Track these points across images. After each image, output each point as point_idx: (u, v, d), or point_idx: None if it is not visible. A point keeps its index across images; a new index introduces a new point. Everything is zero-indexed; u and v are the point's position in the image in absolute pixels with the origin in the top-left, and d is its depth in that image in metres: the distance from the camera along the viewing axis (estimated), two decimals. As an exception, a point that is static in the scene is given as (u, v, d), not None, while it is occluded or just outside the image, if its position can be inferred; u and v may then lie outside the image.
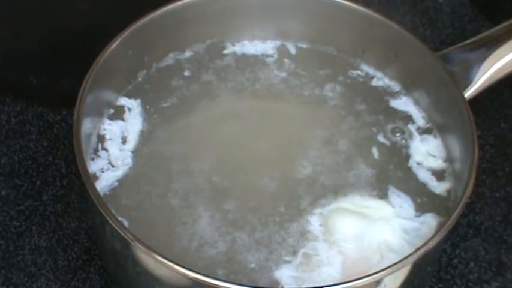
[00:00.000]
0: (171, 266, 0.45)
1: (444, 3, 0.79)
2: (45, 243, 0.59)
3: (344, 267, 0.50)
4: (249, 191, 0.54)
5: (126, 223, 0.52)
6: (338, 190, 0.55)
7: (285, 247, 0.51)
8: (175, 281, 0.46)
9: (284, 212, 0.53)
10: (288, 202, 0.54)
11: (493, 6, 0.77)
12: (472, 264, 0.60)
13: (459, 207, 0.49)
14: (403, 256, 0.47)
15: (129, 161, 0.55)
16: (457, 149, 0.55)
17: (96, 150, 0.55)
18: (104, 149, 0.56)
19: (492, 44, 0.59)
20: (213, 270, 0.50)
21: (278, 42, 0.64)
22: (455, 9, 0.78)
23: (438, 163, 0.57)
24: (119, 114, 0.58)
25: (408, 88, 0.61)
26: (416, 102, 0.60)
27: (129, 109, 0.58)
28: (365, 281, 0.45)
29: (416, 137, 0.58)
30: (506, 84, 0.61)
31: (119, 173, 0.55)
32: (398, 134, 0.58)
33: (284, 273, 0.50)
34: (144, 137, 0.57)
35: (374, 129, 0.59)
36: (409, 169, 0.56)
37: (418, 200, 0.55)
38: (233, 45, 0.63)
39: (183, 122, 0.59)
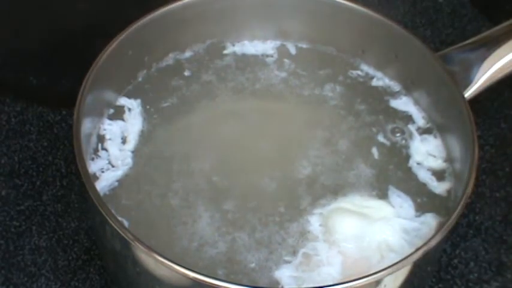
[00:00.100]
0: (171, 266, 0.45)
1: (444, 3, 0.79)
2: (45, 243, 0.59)
3: (344, 267, 0.50)
4: (249, 191, 0.54)
5: (126, 223, 0.52)
6: (338, 190, 0.55)
7: (285, 247, 0.51)
8: (175, 281, 0.46)
9: (284, 212, 0.53)
10: (288, 202, 0.54)
11: (493, 6, 0.77)
12: (472, 264, 0.60)
13: (459, 207, 0.49)
14: (403, 256, 0.47)
15: (129, 161, 0.55)
16: (457, 149, 0.55)
17: (96, 150, 0.55)
18: (104, 149, 0.56)
19: (492, 44, 0.59)
20: (213, 270, 0.50)
21: (278, 42, 0.64)
22: (455, 9, 0.78)
23: (438, 163, 0.57)
24: (119, 114, 0.58)
25: (408, 88, 0.61)
26: (416, 102, 0.60)
27: (129, 109, 0.58)
28: (365, 281, 0.45)
29: (416, 137, 0.58)
30: (506, 84, 0.61)
31: (119, 173, 0.55)
32: (398, 134, 0.58)
33: (284, 273, 0.50)
34: (144, 137, 0.57)
35: (374, 129, 0.59)
36: (409, 169, 0.56)
37: (418, 200, 0.55)
38: (233, 45, 0.63)
39: (183, 122, 0.59)
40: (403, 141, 0.58)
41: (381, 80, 0.62)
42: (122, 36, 0.56)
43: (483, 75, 0.58)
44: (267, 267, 0.50)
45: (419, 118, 0.59)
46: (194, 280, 0.45)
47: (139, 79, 0.60)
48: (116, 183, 0.54)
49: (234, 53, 0.63)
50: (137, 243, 0.46)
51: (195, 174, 0.55)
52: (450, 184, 0.55)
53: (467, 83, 0.57)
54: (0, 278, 0.57)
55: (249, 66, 0.62)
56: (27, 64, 0.66)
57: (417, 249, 0.47)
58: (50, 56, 0.65)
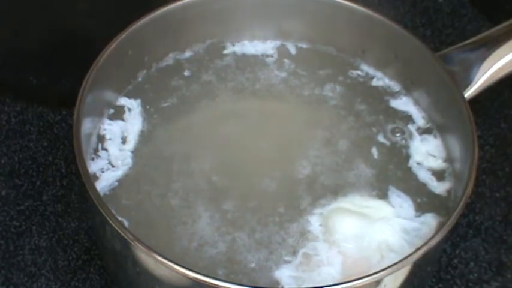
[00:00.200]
0: (171, 266, 0.45)
1: (444, 3, 0.79)
2: (45, 243, 0.59)
3: (344, 267, 0.50)
4: (249, 191, 0.54)
5: (126, 223, 0.52)
6: (338, 190, 0.55)
7: (285, 247, 0.51)
8: (175, 281, 0.46)
9: (284, 212, 0.53)
10: (288, 202, 0.54)
11: (493, 6, 0.77)
12: (472, 264, 0.60)
13: (459, 207, 0.49)
14: (403, 256, 0.47)
15: (129, 161, 0.55)
16: (457, 149, 0.55)
17: (96, 150, 0.55)
18: (104, 149, 0.56)
19: (492, 44, 0.59)
20: (213, 270, 0.50)
21: (278, 42, 0.64)
22: (455, 9, 0.78)
23: (438, 163, 0.57)
24: (119, 114, 0.58)
25: (408, 88, 0.61)
26: (416, 102, 0.60)
27: (129, 109, 0.58)
28: (365, 281, 0.45)
29: (416, 137, 0.58)
30: (506, 84, 0.61)
31: (119, 173, 0.55)
32: (398, 134, 0.58)
33: (284, 273, 0.50)
34: (144, 137, 0.57)
35: (374, 129, 0.59)
36: (409, 169, 0.56)
37: (418, 200, 0.55)
38: (233, 45, 0.63)
39: (183, 122, 0.59)
40: (403, 141, 0.58)
41: (380, 80, 0.62)
42: (122, 36, 0.56)
43: (483, 75, 0.58)
44: (267, 267, 0.50)
45: (419, 118, 0.59)
46: (194, 280, 0.45)
47: (139, 79, 0.60)
48: (116, 183, 0.54)
49: (234, 53, 0.63)
50: (137, 243, 0.46)
51: (195, 174, 0.55)
52: (450, 184, 0.55)
53: (467, 83, 0.57)
54: (0, 278, 0.57)
55: (249, 66, 0.62)
56: (27, 64, 0.66)
57: (417, 249, 0.47)
58: (50, 56, 0.65)
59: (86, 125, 0.53)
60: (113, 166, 0.55)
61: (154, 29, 0.58)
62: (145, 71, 0.60)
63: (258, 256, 0.51)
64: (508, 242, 0.61)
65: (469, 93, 0.57)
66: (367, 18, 0.60)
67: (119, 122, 0.57)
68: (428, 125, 0.59)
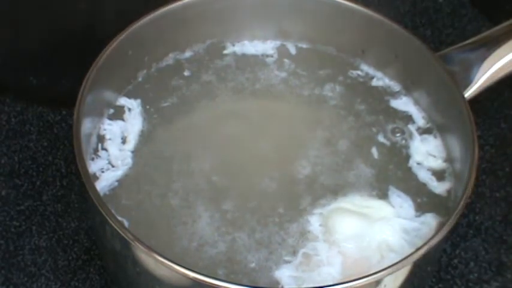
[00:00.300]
0: (171, 266, 0.45)
1: (444, 3, 0.79)
2: (45, 243, 0.59)
3: (344, 267, 0.50)
4: (249, 191, 0.54)
5: (126, 223, 0.52)
6: (338, 190, 0.55)
7: (285, 247, 0.51)
8: (175, 281, 0.46)
9: (284, 212, 0.53)
10: (287, 202, 0.54)
11: (493, 6, 0.77)
12: (472, 264, 0.60)
13: (459, 207, 0.49)
14: (403, 256, 0.47)
15: (129, 161, 0.55)
16: (457, 149, 0.55)
17: (96, 150, 0.55)
18: (104, 149, 0.56)
19: (492, 44, 0.59)
20: (213, 270, 0.50)
21: (278, 42, 0.64)
22: (455, 9, 0.78)
23: (438, 163, 0.57)
24: (119, 114, 0.58)
25: (408, 88, 0.61)
26: (416, 102, 0.60)
27: (129, 109, 0.58)
28: (365, 281, 0.45)
29: (416, 137, 0.58)
30: (506, 84, 0.61)
31: (119, 173, 0.55)
32: (398, 134, 0.58)
33: (284, 273, 0.50)
34: (144, 137, 0.57)
35: (374, 129, 0.59)
36: (409, 169, 0.56)
37: (418, 200, 0.55)
38: (233, 45, 0.63)
39: (183, 122, 0.59)
40: (403, 141, 0.58)
41: (380, 80, 0.62)
42: (122, 36, 0.56)
43: (483, 75, 0.58)
44: (267, 267, 0.50)
45: (419, 118, 0.59)
46: (194, 280, 0.45)
47: (139, 79, 0.60)
48: (116, 183, 0.54)
49: (234, 53, 0.63)
50: (137, 243, 0.46)
51: (195, 174, 0.55)
52: (450, 184, 0.55)
53: (467, 83, 0.57)
54: (0, 278, 0.57)
55: (249, 66, 0.62)
56: (27, 64, 0.66)
57: (417, 249, 0.47)
58: (50, 56, 0.65)
59: (86, 125, 0.53)
60: (113, 166, 0.55)
61: (154, 29, 0.58)
62: (145, 71, 0.60)
63: (258, 256, 0.51)
64: (508, 242, 0.61)
65: (469, 93, 0.57)
66: (367, 18, 0.60)
67: (119, 122, 0.57)
68: (428, 125, 0.59)
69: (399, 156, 0.57)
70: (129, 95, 0.59)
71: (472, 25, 0.77)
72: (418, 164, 0.57)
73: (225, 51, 0.63)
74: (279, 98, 0.61)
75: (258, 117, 0.60)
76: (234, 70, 0.62)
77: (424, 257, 0.47)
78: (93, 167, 0.54)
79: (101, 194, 0.51)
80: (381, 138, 0.58)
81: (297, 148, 0.57)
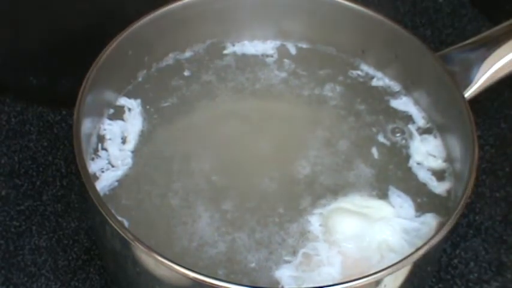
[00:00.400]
0: (171, 266, 0.45)
1: (444, 3, 0.79)
2: (45, 243, 0.59)
3: (344, 267, 0.50)
4: (249, 191, 0.54)
5: (126, 223, 0.52)
6: (338, 190, 0.55)
7: (285, 247, 0.51)
8: (175, 281, 0.46)
9: (284, 212, 0.53)
10: (288, 202, 0.54)
11: (493, 6, 0.77)
12: (472, 264, 0.60)
13: (459, 207, 0.49)
14: (403, 256, 0.47)
15: (129, 161, 0.55)
16: (457, 149, 0.55)
17: (96, 150, 0.55)
18: (104, 149, 0.56)
19: (492, 44, 0.59)
20: (213, 270, 0.50)
21: (278, 42, 0.64)
22: (455, 9, 0.78)
23: (438, 163, 0.57)
24: (119, 114, 0.58)
25: (408, 88, 0.61)
26: (416, 102, 0.60)
27: (129, 109, 0.58)
28: (365, 281, 0.45)
29: (416, 137, 0.58)
30: (506, 84, 0.61)
31: (119, 173, 0.55)
32: (398, 134, 0.58)
33: (284, 273, 0.50)
34: (144, 137, 0.57)
35: (374, 129, 0.59)
36: (409, 169, 0.56)
37: (418, 200, 0.55)
38: (233, 45, 0.63)
39: (183, 122, 0.59)
40: (403, 141, 0.58)
41: (381, 80, 0.62)
42: (122, 36, 0.56)
43: (483, 75, 0.58)
44: (267, 267, 0.50)
45: (419, 118, 0.59)
46: (194, 280, 0.45)
47: (139, 79, 0.60)
48: (116, 183, 0.54)
49: (234, 53, 0.63)
50: (137, 243, 0.46)
51: (195, 174, 0.55)
52: (450, 184, 0.55)
53: (467, 83, 0.57)
54: (0, 278, 0.57)
55: (249, 66, 0.62)
56: (27, 64, 0.66)
57: (417, 249, 0.47)
58: (50, 56, 0.65)
59: (86, 125, 0.53)
60: (113, 166, 0.55)
61: (154, 29, 0.58)
62: (145, 71, 0.60)
63: (258, 256, 0.51)
64: (508, 242, 0.61)
65: (469, 93, 0.57)
66: (367, 18, 0.60)
67: (119, 122, 0.57)
68: (428, 125, 0.59)
69: (399, 156, 0.57)
70: (129, 95, 0.59)
71: (472, 25, 0.77)
72: (418, 164, 0.57)
73: (225, 51, 0.63)
74: (279, 98, 0.61)
75: (258, 117, 0.60)
76: (234, 70, 0.62)
77: (424, 257, 0.47)
78: (93, 167, 0.54)
79: (101, 194, 0.51)
80: (381, 138, 0.58)
81: (297, 148, 0.57)
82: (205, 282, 0.45)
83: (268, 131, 0.59)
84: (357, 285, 0.45)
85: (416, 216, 0.54)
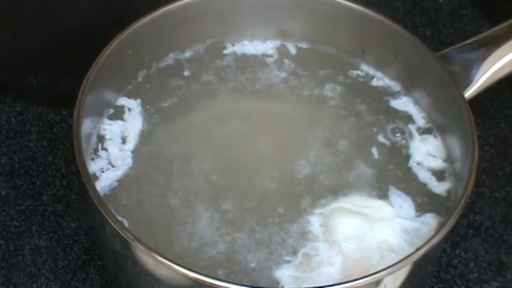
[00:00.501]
0: (171, 266, 0.45)
1: (444, 3, 0.79)
2: (45, 243, 0.59)
3: (344, 267, 0.50)
4: (249, 191, 0.54)
5: (126, 223, 0.52)
6: (338, 190, 0.55)
7: (285, 247, 0.51)
8: (175, 281, 0.46)
9: (284, 212, 0.53)
10: (288, 202, 0.54)
11: (493, 6, 0.77)
12: (472, 264, 0.60)
13: (459, 207, 0.49)
14: (403, 256, 0.47)
15: (129, 161, 0.55)
16: (457, 149, 0.55)
17: (96, 150, 0.55)
18: (104, 149, 0.56)
19: (492, 44, 0.59)
20: (213, 270, 0.50)
21: (278, 42, 0.64)
22: (455, 9, 0.78)
23: (438, 163, 0.57)
24: (119, 114, 0.58)
25: (408, 88, 0.61)
26: (416, 102, 0.60)
27: (129, 109, 0.58)
28: (365, 281, 0.45)
29: (416, 137, 0.58)
30: (506, 84, 0.61)
31: (119, 173, 0.55)
32: (398, 134, 0.58)
33: (284, 273, 0.50)
34: (144, 137, 0.57)
35: (374, 129, 0.59)
36: (409, 169, 0.56)
37: (418, 200, 0.55)
38: (233, 45, 0.63)
39: (183, 122, 0.59)
40: (403, 141, 0.58)
41: (381, 80, 0.62)
42: (122, 36, 0.56)
43: (483, 75, 0.58)
44: (267, 267, 0.50)
45: (419, 118, 0.59)
46: (194, 280, 0.45)
47: (139, 79, 0.60)
48: (116, 183, 0.54)
49: (234, 53, 0.63)
50: (137, 243, 0.46)
51: (195, 174, 0.55)
52: (450, 184, 0.55)
53: (467, 83, 0.57)
54: (0, 278, 0.57)
55: (249, 66, 0.62)
56: (27, 64, 0.66)
57: (417, 249, 0.47)
58: (50, 56, 0.65)
59: (86, 125, 0.53)
60: (113, 166, 0.55)
61: (154, 29, 0.58)
62: (145, 71, 0.60)
63: (258, 256, 0.51)
64: (508, 242, 0.61)
65: (469, 93, 0.57)
66: (367, 18, 0.60)
67: (119, 122, 0.57)
68: (428, 125, 0.59)
69: (399, 156, 0.57)
70: (129, 95, 0.59)
71: (472, 25, 0.77)
72: (418, 164, 0.57)
73: (225, 51, 0.63)
74: (279, 98, 0.61)
75: (258, 117, 0.60)
76: (234, 70, 0.62)
77: (424, 257, 0.47)
78: (93, 167, 0.54)
79: (101, 194, 0.51)
80: (381, 138, 0.58)
81: (297, 148, 0.57)
82: (205, 282, 0.45)
83: (268, 131, 0.59)
84: (357, 285, 0.45)
85: (416, 216, 0.54)
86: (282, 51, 0.63)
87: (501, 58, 0.58)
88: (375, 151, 0.57)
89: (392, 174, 0.56)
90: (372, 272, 0.46)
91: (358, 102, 0.60)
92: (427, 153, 0.57)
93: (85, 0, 0.62)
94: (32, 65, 0.66)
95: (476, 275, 0.59)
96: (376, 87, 0.62)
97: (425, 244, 0.47)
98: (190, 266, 0.45)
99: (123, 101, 0.59)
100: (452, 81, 0.56)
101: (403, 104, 0.60)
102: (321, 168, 0.56)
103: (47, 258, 0.59)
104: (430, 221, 0.53)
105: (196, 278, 0.45)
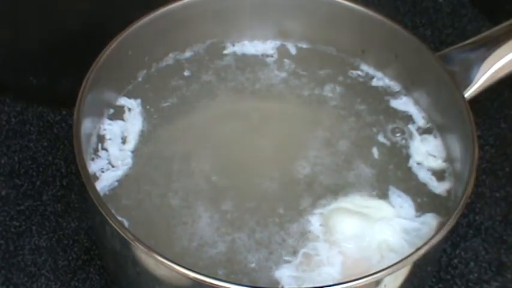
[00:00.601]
0: (171, 266, 0.45)
1: (444, 3, 0.79)
2: (45, 243, 0.59)
3: (344, 267, 0.50)
4: (249, 191, 0.54)
5: (126, 223, 0.52)
6: (338, 190, 0.55)
7: (285, 247, 0.51)
8: (175, 281, 0.46)
9: (284, 212, 0.53)
10: (288, 202, 0.54)
11: (493, 6, 0.77)
12: (472, 264, 0.60)
13: (459, 207, 0.49)
14: (403, 256, 0.47)
15: (129, 161, 0.55)
16: (457, 149, 0.55)
17: (96, 150, 0.55)
18: (104, 149, 0.56)
19: (492, 44, 0.59)
20: (213, 270, 0.50)
21: (278, 42, 0.64)
22: (455, 9, 0.78)
23: (438, 163, 0.57)
24: (119, 114, 0.58)
25: (408, 88, 0.61)
26: (416, 102, 0.60)
27: (129, 109, 0.58)
28: (365, 281, 0.45)
29: (416, 137, 0.58)
30: (506, 84, 0.61)
31: (119, 173, 0.55)
32: (398, 134, 0.58)
33: (284, 273, 0.50)
34: (144, 137, 0.57)
35: (374, 129, 0.59)
36: (409, 169, 0.56)
37: (418, 200, 0.55)
38: (233, 45, 0.63)
39: (183, 122, 0.59)
40: (403, 141, 0.58)
41: (381, 80, 0.62)
42: (122, 36, 0.56)
43: (483, 75, 0.58)
44: (267, 267, 0.50)
45: (419, 118, 0.59)
46: (194, 280, 0.45)
47: (139, 79, 0.60)
48: (116, 183, 0.54)
49: (234, 53, 0.63)
50: (137, 243, 0.46)
51: (195, 174, 0.55)
52: (450, 184, 0.55)
53: (467, 83, 0.57)
54: (0, 278, 0.57)
55: (249, 66, 0.62)
56: (27, 64, 0.66)
57: (417, 249, 0.47)
58: (50, 56, 0.65)
59: (86, 125, 0.53)
60: (113, 166, 0.55)
61: (154, 29, 0.58)
62: (145, 71, 0.60)
63: (258, 256, 0.51)
64: (508, 242, 0.61)
65: (469, 93, 0.57)
66: (367, 18, 0.60)
67: (119, 122, 0.57)
68: (428, 125, 0.59)
69: (399, 156, 0.57)
70: (129, 95, 0.59)
71: (472, 25, 0.77)
72: (418, 164, 0.57)
73: (225, 51, 0.63)
74: (279, 98, 0.61)
75: (258, 117, 0.60)
76: (234, 70, 0.62)
77: (424, 257, 0.47)
78: (93, 167, 0.54)
79: (101, 194, 0.51)
80: (381, 138, 0.58)
81: (297, 148, 0.57)
82: (205, 282, 0.45)
83: (268, 131, 0.59)
84: (357, 285, 0.45)
85: (416, 216, 0.54)
86: (282, 51, 0.63)
87: (501, 58, 0.58)
88: (375, 151, 0.57)
89: (392, 174, 0.56)
90: (372, 272, 0.46)
91: (358, 102, 0.60)
92: (427, 153, 0.57)
93: (85, 0, 0.62)
94: (32, 65, 0.66)
95: (476, 275, 0.59)
96: (376, 87, 0.62)
97: (425, 244, 0.47)
98: (190, 266, 0.45)
99: (123, 101, 0.59)
100: (452, 81, 0.56)
101: (403, 104, 0.60)
102: (321, 168, 0.56)
103: (47, 258, 0.59)
104: (430, 221, 0.53)
105: (196, 278, 0.45)
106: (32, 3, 0.62)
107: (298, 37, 0.63)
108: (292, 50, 0.63)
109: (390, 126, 0.59)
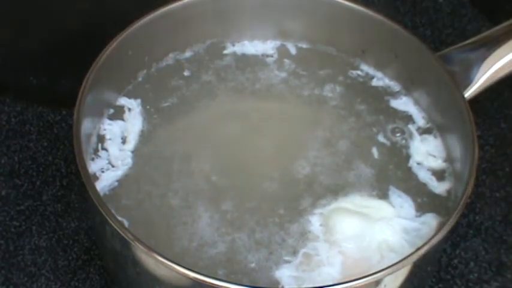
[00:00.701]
0: (171, 266, 0.45)
1: (444, 3, 0.79)
2: (45, 243, 0.59)
3: (344, 267, 0.50)
4: (249, 191, 0.54)
5: (126, 223, 0.52)
6: (338, 190, 0.55)
7: (285, 247, 0.51)
8: (175, 281, 0.46)
9: (284, 212, 0.53)
10: (288, 202, 0.54)
11: (493, 6, 0.77)
12: (472, 264, 0.60)
13: (459, 207, 0.49)
14: (403, 256, 0.47)
15: (129, 161, 0.55)
16: (457, 149, 0.55)
17: (96, 150, 0.55)
18: (104, 149, 0.56)
19: (492, 44, 0.59)
20: (213, 270, 0.50)
21: (278, 42, 0.64)
22: (455, 9, 0.78)
23: (438, 163, 0.57)
24: (119, 114, 0.58)
25: (408, 88, 0.61)
26: (416, 102, 0.60)
27: (129, 109, 0.58)
28: (365, 281, 0.45)
29: (416, 137, 0.58)
30: (506, 84, 0.61)
31: (119, 173, 0.55)
32: (398, 134, 0.58)
33: (284, 273, 0.50)
34: (144, 137, 0.57)
35: (374, 129, 0.59)
36: (409, 169, 0.56)
37: (419, 200, 0.55)
38: (233, 45, 0.63)
39: (183, 122, 0.59)
40: (403, 141, 0.58)
41: (381, 80, 0.62)
42: (122, 36, 0.56)
43: (483, 75, 0.58)
44: (267, 267, 0.50)
45: (419, 118, 0.59)
46: (194, 280, 0.45)
47: (139, 79, 0.60)
48: (116, 183, 0.54)
49: (234, 53, 0.63)
50: (137, 243, 0.46)
51: (195, 174, 0.55)
52: (450, 184, 0.55)
53: (467, 83, 0.57)
54: (0, 278, 0.57)
55: (249, 66, 0.62)
56: (27, 64, 0.66)
57: (417, 249, 0.47)
58: (50, 56, 0.65)
59: (86, 125, 0.53)
60: (113, 166, 0.55)
61: (154, 29, 0.58)
62: (145, 71, 0.60)
63: (258, 256, 0.51)
64: (508, 242, 0.61)
65: (469, 93, 0.57)
66: (367, 18, 0.60)
67: (119, 122, 0.57)
68: (428, 125, 0.59)
69: (399, 156, 0.57)
70: (129, 95, 0.59)
71: (472, 25, 0.77)
72: (418, 164, 0.57)
73: (225, 51, 0.63)
74: (279, 98, 0.61)
75: (258, 117, 0.60)
76: (234, 70, 0.62)
77: (424, 257, 0.47)
78: (93, 167, 0.54)
79: (101, 194, 0.51)
80: (381, 138, 0.58)
81: (297, 148, 0.57)
82: (205, 282, 0.45)
83: (268, 131, 0.59)
84: (357, 285, 0.45)
85: (416, 216, 0.54)
86: (282, 51, 0.63)
87: (501, 58, 0.58)
88: (375, 151, 0.57)
89: (393, 174, 0.56)
90: (372, 272, 0.46)
91: (358, 102, 0.60)
92: (427, 153, 0.57)
93: (85, 0, 0.62)
94: (32, 65, 0.66)
95: (476, 275, 0.59)
96: (376, 87, 0.62)
97: (425, 244, 0.47)
98: (190, 266, 0.45)
99: (123, 101, 0.59)
100: (452, 81, 0.56)
101: (403, 104, 0.60)
102: (321, 168, 0.56)
103: (47, 258, 0.59)
104: (430, 221, 0.53)
105: (196, 278, 0.45)
106: (32, 3, 0.62)
107: (298, 37, 0.63)
108: (292, 50, 0.63)
109: (390, 126, 0.59)
